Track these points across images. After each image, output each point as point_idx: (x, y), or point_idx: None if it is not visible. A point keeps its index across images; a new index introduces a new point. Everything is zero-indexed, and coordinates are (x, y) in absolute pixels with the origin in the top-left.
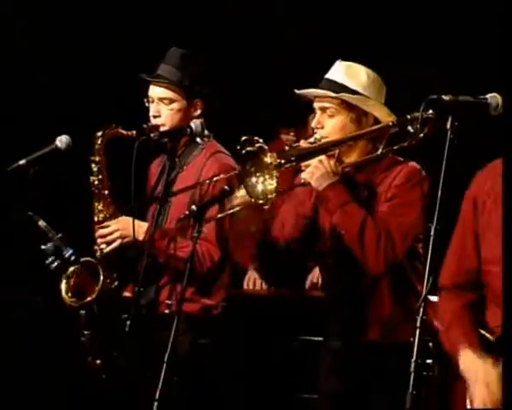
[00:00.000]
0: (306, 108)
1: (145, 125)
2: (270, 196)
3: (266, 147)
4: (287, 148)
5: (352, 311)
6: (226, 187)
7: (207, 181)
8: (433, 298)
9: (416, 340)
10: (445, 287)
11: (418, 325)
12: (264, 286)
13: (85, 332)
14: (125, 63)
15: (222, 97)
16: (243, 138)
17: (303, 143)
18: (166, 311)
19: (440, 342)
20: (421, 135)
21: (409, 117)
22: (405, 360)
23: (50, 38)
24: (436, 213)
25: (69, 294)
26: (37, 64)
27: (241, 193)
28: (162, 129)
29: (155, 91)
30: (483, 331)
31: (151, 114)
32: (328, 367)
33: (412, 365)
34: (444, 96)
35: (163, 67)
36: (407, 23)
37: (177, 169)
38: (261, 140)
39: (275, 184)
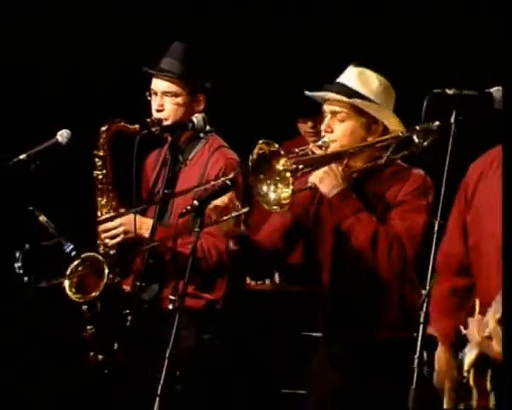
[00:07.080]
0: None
1: (148, 120)
2: (284, 202)
3: (282, 152)
4: (298, 151)
5: (353, 311)
6: (228, 181)
7: (212, 182)
8: None
9: (420, 335)
10: (437, 270)
11: (421, 320)
12: (268, 282)
13: (88, 327)
14: (126, 56)
15: (236, 91)
16: (260, 142)
17: (312, 147)
18: (170, 306)
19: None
20: (425, 144)
21: (418, 128)
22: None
23: (52, 30)
24: (440, 208)
25: (73, 290)
26: (40, 57)
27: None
28: (165, 123)
29: (159, 85)
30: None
31: (154, 107)
32: (325, 365)
33: (415, 361)
34: (447, 90)
35: (166, 60)
36: (405, 20)
37: (180, 164)
38: (277, 145)
39: (290, 192)
